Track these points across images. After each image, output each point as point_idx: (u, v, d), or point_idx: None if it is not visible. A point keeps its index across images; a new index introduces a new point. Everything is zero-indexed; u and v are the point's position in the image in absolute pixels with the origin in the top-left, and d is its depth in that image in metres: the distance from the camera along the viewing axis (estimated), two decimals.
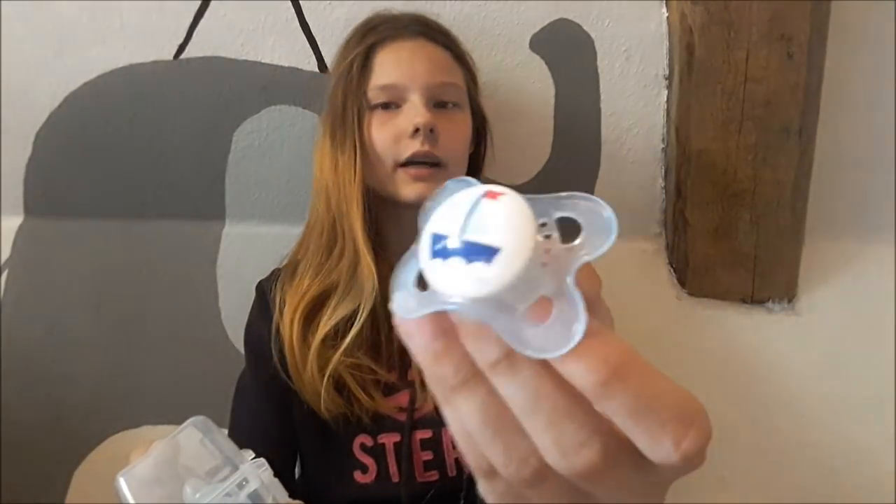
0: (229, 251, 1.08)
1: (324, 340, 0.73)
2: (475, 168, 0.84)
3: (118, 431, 1.07)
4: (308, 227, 0.81)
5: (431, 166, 0.74)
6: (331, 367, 0.72)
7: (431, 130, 0.73)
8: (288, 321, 0.75)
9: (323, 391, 0.72)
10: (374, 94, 0.75)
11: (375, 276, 0.73)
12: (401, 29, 0.78)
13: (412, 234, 0.65)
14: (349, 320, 0.74)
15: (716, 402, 1.02)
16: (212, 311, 1.07)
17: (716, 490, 1.01)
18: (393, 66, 0.76)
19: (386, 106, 0.75)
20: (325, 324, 0.74)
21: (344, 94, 0.76)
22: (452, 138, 0.76)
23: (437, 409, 0.75)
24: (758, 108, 0.91)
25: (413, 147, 0.73)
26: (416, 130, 0.73)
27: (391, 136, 0.74)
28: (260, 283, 0.84)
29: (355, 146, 0.74)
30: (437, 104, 0.76)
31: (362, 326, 0.73)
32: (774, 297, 1.04)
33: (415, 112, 0.73)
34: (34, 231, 1.11)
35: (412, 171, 0.74)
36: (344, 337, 0.73)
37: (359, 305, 0.73)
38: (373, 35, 0.78)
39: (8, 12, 1.01)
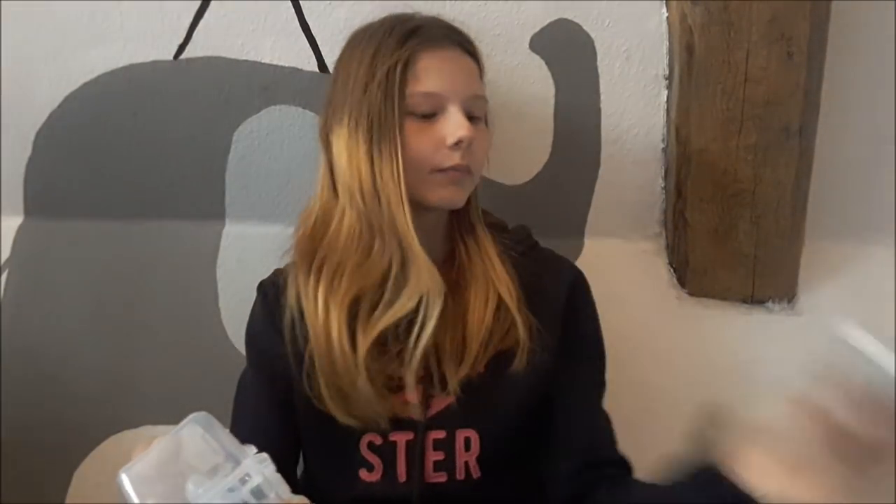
0: (229, 251, 1.08)
1: (383, 337, 0.73)
2: None
3: (118, 431, 1.07)
4: (314, 223, 0.79)
5: (463, 171, 0.75)
6: (387, 374, 0.72)
7: (469, 144, 0.74)
8: (334, 327, 0.72)
9: (378, 398, 0.72)
10: (415, 101, 0.74)
11: (441, 279, 0.72)
12: (440, 37, 0.77)
13: (426, 232, 0.75)
14: (399, 324, 0.73)
15: (715, 401, 1.02)
16: (212, 311, 1.07)
17: None
18: (436, 75, 0.75)
19: (426, 114, 0.74)
20: (374, 327, 0.72)
21: (384, 95, 0.73)
22: (480, 150, 0.77)
23: (452, 410, 0.75)
24: (758, 108, 0.91)
25: (453, 159, 0.73)
26: (458, 143, 0.73)
27: (431, 145, 0.74)
28: (262, 282, 0.84)
29: (396, 148, 0.73)
30: (471, 118, 0.76)
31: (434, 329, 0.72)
32: (774, 297, 1.04)
33: (458, 125, 0.73)
34: (34, 231, 1.11)
35: (451, 174, 0.74)
36: (405, 340, 0.72)
37: (416, 307, 0.72)
38: (415, 38, 0.75)
39: (8, 12, 1.01)
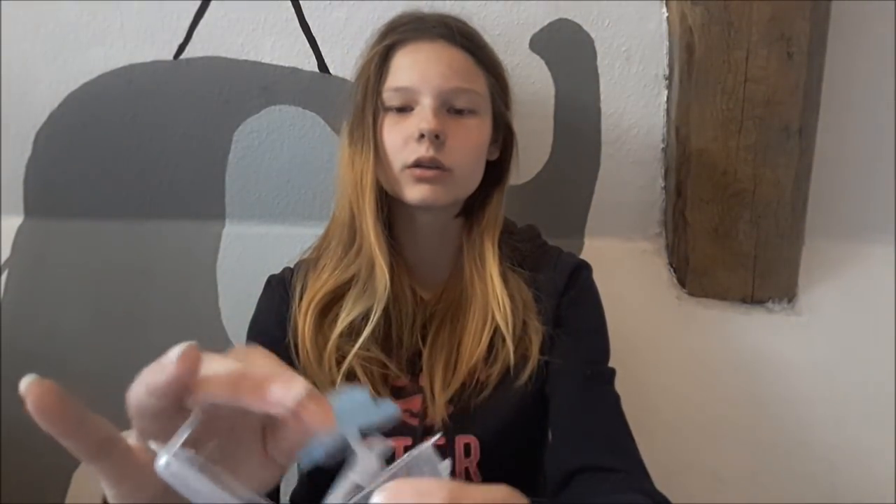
0: (229, 251, 1.08)
1: (340, 335, 0.74)
2: (498, 177, 0.82)
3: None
4: (332, 222, 0.81)
5: (436, 169, 0.73)
6: (347, 361, 0.72)
7: (437, 136, 0.72)
8: (303, 312, 0.75)
9: (338, 385, 0.73)
10: (388, 96, 0.75)
11: (388, 275, 0.73)
12: (422, 30, 0.76)
13: (425, 236, 0.71)
14: (364, 317, 0.74)
15: (715, 401, 1.03)
16: (212, 311, 1.07)
17: (714, 489, 1.01)
18: (408, 69, 0.75)
19: (400, 108, 0.75)
20: (343, 320, 0.74)
21: (363, 94, 0.76)
22: (462, 145, 0.75)
23: (451, 417, 0.74)
24: (758, 108, 0.91)
25: (419, 151, 0.72)
26: (422, 136, 0.72)
27: (401, 139, 0.74)
28: (271, 275, 0.84)
29: (370, 146, 0.74)
30: (452, 110, 0.75)
31: (376, 325, 0.73)
32: (774, 297, 1.04)
33: (422, 117, 0.73)
34: (34, 231, 1.11)
35: (416, 172, 0.73)
36: (359, 334, 0.73)
37: (373, 304, 0.73)
38: (393, 35, 0.77)
39: (8, 12, 1.01)
